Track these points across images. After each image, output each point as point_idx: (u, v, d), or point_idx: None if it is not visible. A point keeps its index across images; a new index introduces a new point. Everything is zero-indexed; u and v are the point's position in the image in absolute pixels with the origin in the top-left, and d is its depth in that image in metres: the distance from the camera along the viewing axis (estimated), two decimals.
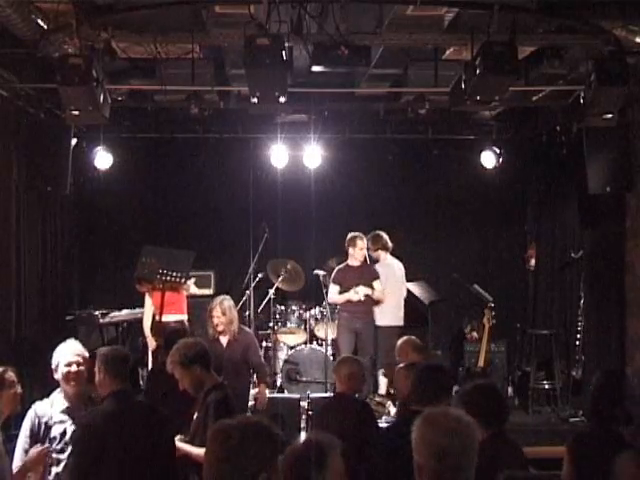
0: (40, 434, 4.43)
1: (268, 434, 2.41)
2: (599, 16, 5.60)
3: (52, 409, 4.53)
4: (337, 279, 8.37)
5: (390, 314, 8.45)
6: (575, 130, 8.09)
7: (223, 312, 6.78)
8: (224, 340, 6.81)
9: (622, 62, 5.60)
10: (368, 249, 8.55)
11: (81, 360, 4.51)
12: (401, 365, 5.30)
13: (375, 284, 8.34)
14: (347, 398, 5.29)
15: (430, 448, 2.33)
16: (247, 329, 7.36)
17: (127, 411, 4.07)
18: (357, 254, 8.39)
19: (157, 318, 7.18)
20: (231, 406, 4.45)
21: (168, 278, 6.78)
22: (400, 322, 8.51)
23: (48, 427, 4.47)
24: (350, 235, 8.45)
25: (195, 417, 4.57)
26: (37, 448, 4.35)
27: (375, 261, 8.64)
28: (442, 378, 4.31)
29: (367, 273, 8.42)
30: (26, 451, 4.36)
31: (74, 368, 4.50)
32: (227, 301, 6.88)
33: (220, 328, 6.77)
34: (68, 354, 4.52)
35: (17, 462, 4.35)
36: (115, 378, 4.16)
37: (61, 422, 4.50)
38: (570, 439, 3.98)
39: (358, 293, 8.21)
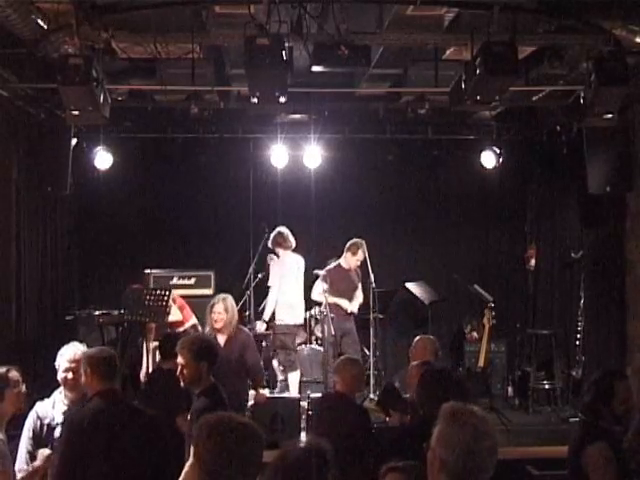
0: (42, 436, 4.43)
1: (256, 434, 2.50)
2: (599, 16, 5.60)
3: (54, 410, 4.52)
4: (327, 278, 8.44)
5: (291, 311, 8.40)
6: (575, 130, 8.10)
7: (225, 309, 6.76)
8: (222, 339, 6.78)
9: (622, 62, 5.60)
10: (272, 246, 8.56)
11: (75, 366, 4.47)
12: (414, 363, 5.37)
13: (359, 291, 8.69)
14: (347, 400, 5.29)
15: (457, 446, 2.30)
16: (245, 329, 7.35)
17: (113, 410, 4.03)
18: (353, 261, 8.61)
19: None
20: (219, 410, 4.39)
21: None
22: (300, 320, 8.53)
23: (51, 428, 4.47)
24: (354, 241, 8.59)
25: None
26: (45, 452, 4.34)
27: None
28: (446, 383, 4.27)
29: (356, 279, 8.68)
30: (30, 453, 4.35)
31: (70, 375, 4.51)
32: (230, 299, 6.89)
33: (219, 325, 6.72)
34: (64, 361, 4.53)
35: (21, 464, 4.33)
36: (102, 379, 4.09)
37: (63, 424, 4.49)
38: None
39: (351, 305, 8.58)
